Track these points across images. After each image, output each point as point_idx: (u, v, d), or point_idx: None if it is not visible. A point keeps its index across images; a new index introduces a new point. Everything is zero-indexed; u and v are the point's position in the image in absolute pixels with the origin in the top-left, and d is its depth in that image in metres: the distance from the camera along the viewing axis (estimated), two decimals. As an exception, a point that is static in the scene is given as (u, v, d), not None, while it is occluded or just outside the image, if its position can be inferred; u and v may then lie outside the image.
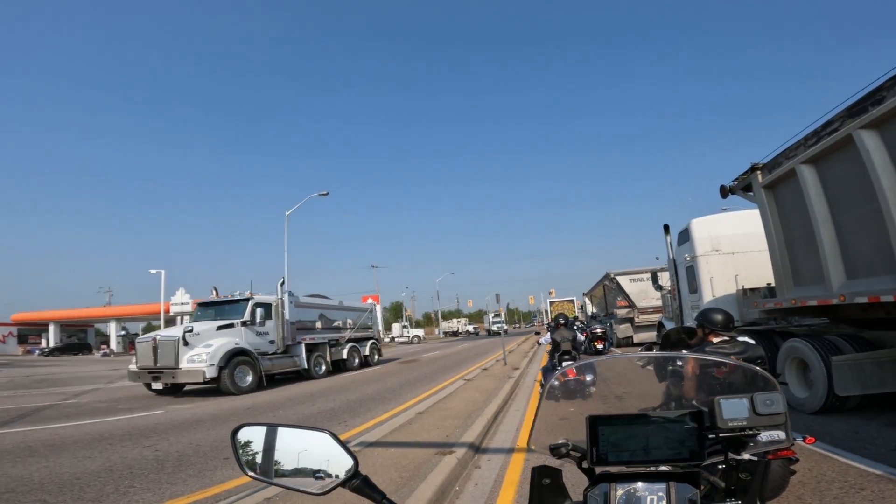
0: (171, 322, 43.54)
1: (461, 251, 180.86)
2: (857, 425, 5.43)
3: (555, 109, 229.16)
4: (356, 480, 0.96)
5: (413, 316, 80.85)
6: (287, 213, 31.18)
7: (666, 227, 11.61)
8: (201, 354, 11.91)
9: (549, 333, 9.83)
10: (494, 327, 56.14)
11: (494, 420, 7.15)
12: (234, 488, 4.47)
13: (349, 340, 18.16)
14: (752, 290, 8.81)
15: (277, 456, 1.02)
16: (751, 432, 0.99)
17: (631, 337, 19.72)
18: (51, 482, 4.79)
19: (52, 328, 49.31)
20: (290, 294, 15.22)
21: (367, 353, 19.22)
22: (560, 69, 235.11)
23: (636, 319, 19.52)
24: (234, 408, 9.82)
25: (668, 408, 1.24)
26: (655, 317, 16.89)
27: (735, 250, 9.61)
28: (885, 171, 5.02)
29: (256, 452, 1.04)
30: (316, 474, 0.98)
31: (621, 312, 20.44)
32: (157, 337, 12.34)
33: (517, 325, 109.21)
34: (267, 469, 1.02)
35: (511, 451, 5.60)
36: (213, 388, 12.20)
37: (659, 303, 16.20)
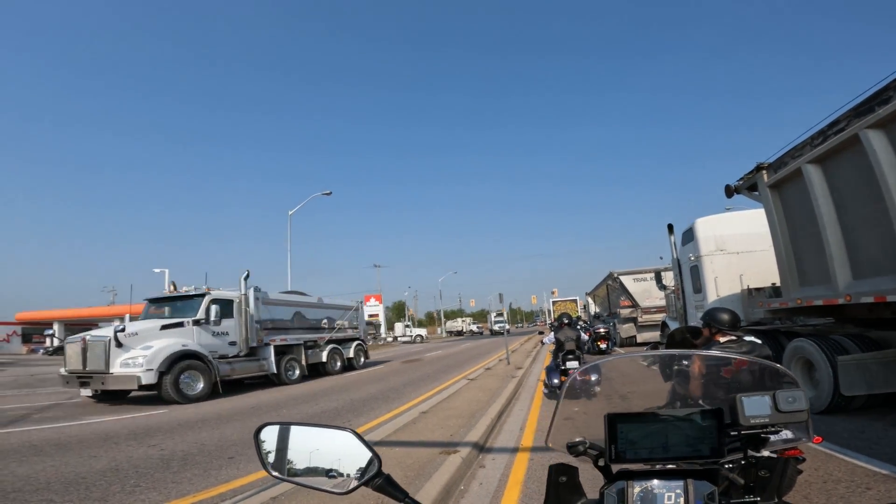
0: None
1: (464, 251, 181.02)
2: (862, 425, 5.41)
3: (559, 112, 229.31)
4: (379, 479, 0.95)
5: (416, 315, 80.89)
6: (290, 213, 31.28)
7: (670, 227, 11.58)
8: (137, 358, 10.40)
9: (552, 333, 9.84)
10: (496, 327, 55.80)
11: (498, 419, 7.15)
12: (240, 487, 4.48)
13: (330, 342, 16.70)
14: (757, 289, 8.77)
15: (300, 455, 1.02)
16: (772, 430, 0.99)
17: (634, 336, 19.68)
18: (57, 481, 4.80)
19: (56, 327, 49.51)
20: (257, 290, 13.63)
21: (350, 355, 17.81)
22: (564, 74, 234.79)
23: (639, 319, 19.48)
24: (238, 407, 9.84)
25: (674, 407, 1.24)
26: (659, 316, 16.84)
27: (740, 250, 9.58)
28: (892, 171, 5.00)
29: (279, 451, 1.04)
30: (339, 473, 0.98)
31: (625, 312, 20.40)
32: (87, 337, 10.77)
33: (520, 325, 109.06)
34: (290, 468, 1.02)
35: (515, 450, 5.60)
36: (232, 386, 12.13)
37: (662, 302, 16.15)
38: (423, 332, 60.37)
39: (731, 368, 1.36)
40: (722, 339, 3.37)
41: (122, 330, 10.81)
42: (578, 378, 1.23)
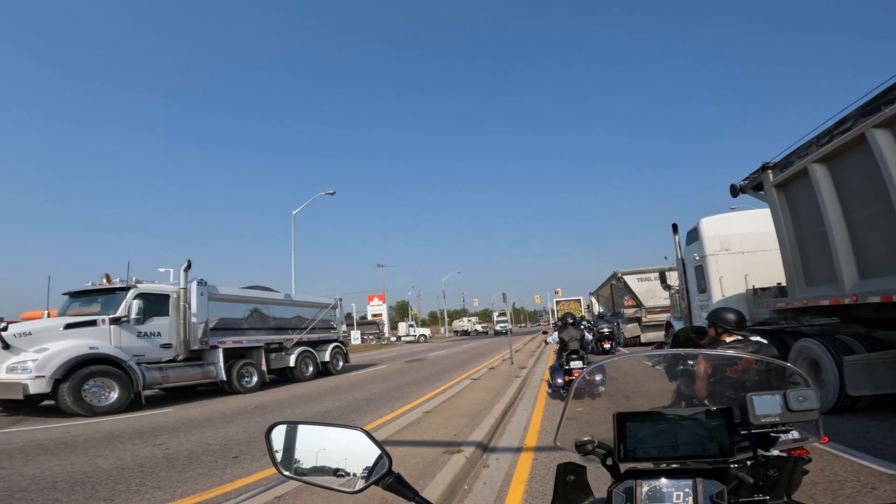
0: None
1: (467, 250, 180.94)
2: (868, 425, 5.39)
3: (563, 114, 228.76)
4: (390, 478, 0.96)
5: (419, 315, 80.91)
6: (294, 213, 31.40)
7: (674, 227, 11.54)
8: (26, 362, 8.83)
9: (556, 332, 9.82)
10: (498, 326, 55.08)
11: (502, 419, 7.15)
12: (244, 486, 4.50)
13: (300, 343, 15.00)
14: (763, 289, 8.74)
15: (310, 454, 1.02)
16: (783, 429, 0.99)
17: (638, 336, 19.63)
18: (63, 480, 4.82)
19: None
20: (202, 283, 11.91)
21: (326, 358, 15.97)
22: (568, 79, 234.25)
23: (644, 319, 19.42)
24: (242, 406, 9.87)
25: (679, 407, 1.24)
26: (663, 316, 16.78)
27: (745, 250, 9.54)
28: (899, 170, 4.97)
29: (290, 450, 1.04)
30: (349, 472, 0.98)
31: (629, 312, 20.34)
32: None
33: (523, 325, 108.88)
34: (300, 467, 1.02)
35: (519, 450, 5.59)
36: (221, 388, 12.13)
37: (667, 302, 16.10)
38: (426, 331, 60.29)
39: (737, 368, 1.37)
40: (728, 339, 3.36)
41: (5, 329, 9.17)
42: (586, 378, 1.23)
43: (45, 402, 9.34)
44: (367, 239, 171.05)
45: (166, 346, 11.08)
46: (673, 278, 13.10)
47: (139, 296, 10.67)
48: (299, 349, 14.83)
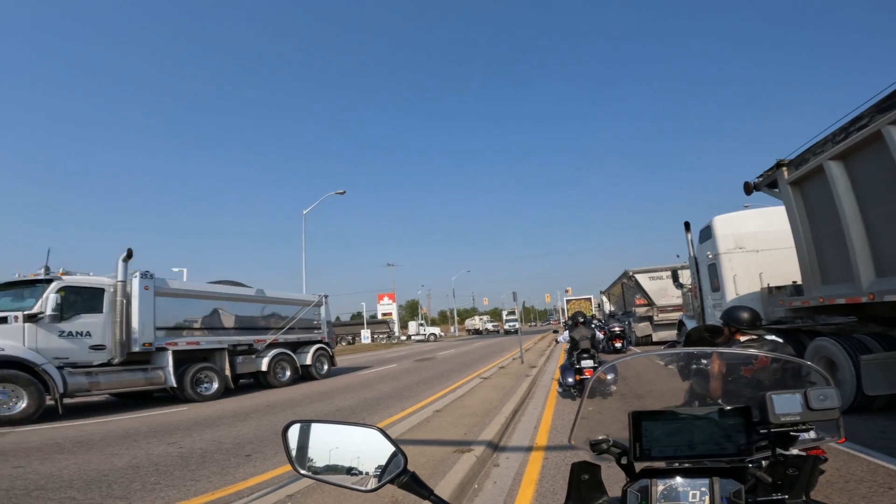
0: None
1: (477, 249, 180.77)
2: (885, 425, 5.31)
3: (571, 107, 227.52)
4: (405, 477, 0.96)
5: (429, 314, 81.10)
6: (304, 212, 31.61)
7: (686, 225, 11.44)
8: None
9: (567, 332, 9.79)
10: (507, 326, 54.65)
11: (512, 418, 7.14)
12: (257, 485, 4.54)
13: (275, 345, 13.59)
14: (778, 288, 8.63)
15: (326, 452, 1.03)
16: (803, 427, 0.98)
17: (650, 335, 19.47)
18: (79, 479, 4.88)
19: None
20: (147, 276, 10.51)
21: (307, 361, 14.51)
22: (573, 80, 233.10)
23: (655, 318, 19.26)
24: (254, 405, 9.97)
25: (692, 406, 1.22)
26: (675, 315, 16.64)
27: (759, 248, 9.44)
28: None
29: (306, 449, 1.05)
30: (365, 470, 0.99)
31: (640, 311, 20.18)
32: None
33: (533, 324, 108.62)
34: (316, 465, 1.03)
35: (530, 449, 5.58)
36: (239, 385, 12.24)
37: (679, 301, 15.96)
38: (436, 330, 60.31)
39: (753, 367, 1.35)
40: (742, 339, 3.32)
41: None
42: (600, 377, 1.23)
43: (66, 401, 9.23)
44: (377, 238, 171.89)
45: (97, 347, 9.68)
46: (685, 277, 12.98)
47: (63, 289, 9.37)
48: (274, 351, 13.33)
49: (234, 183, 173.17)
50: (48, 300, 9.11)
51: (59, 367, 9.02)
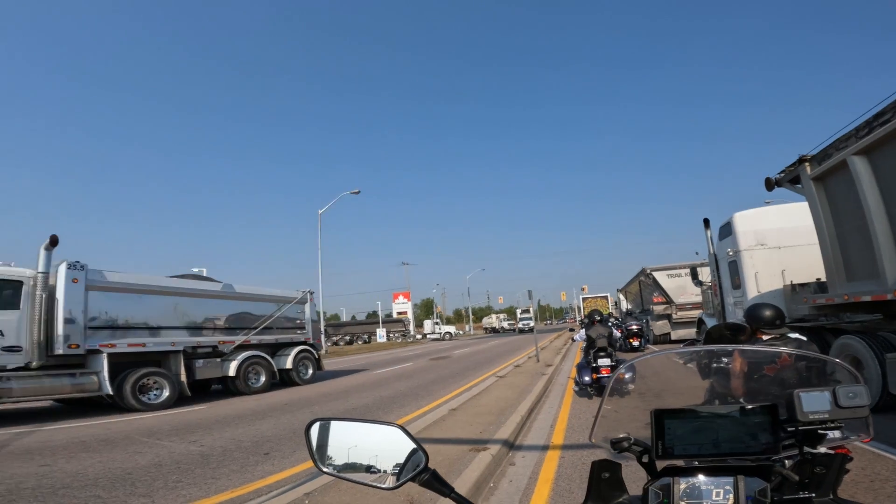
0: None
1: (492, 247, 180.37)
2: (912, 425, 5.16)
3: (586, 103, 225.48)
4: (426, 475, 0.96)
5: (444, 313, 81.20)
6: (320, 212, 31.97)
7: (706, 222, 11.27)
8: None
9: (583, 330, 9.72)
10: (521, 324, 54.18)
11: (528, 417, 7.12)
12: (275, 483, 4.60)
13: (247, 347, 12.20)
14: (801, 285, 8.45)
15: (348, 450, 1.03)
16: (832, 425, 0.97)
17: (668, 334, 19.23)
18: (104, 477, 4.98)
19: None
20: (74, 266, 9.26)
21: (286, 365, 13.11)
22: (586, 79, 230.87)
23: (674, 316, 19.01)
24: (272, 404, 10.10)
25: (712, 405, 1.21)
26: (695, 313, 16.42)
27: (782, 244, 9.27)
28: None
29: (329, 447, 1.05)
30: (386, 468, 0.99)
31: (658, 309, 19.93)
32: None
33: (549, 322, 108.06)
34: (338, 463, 1.04)
35: (546, 448, 5.57)
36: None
37: (698, 299, 15.73)
38: (452, 329, 60.37)
39: (775, 366, 1.33)
40: (765, 337, 3.26)
41: None
42: (622, 375, 1.22)
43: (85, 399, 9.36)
44: (392, 238, 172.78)
45: (12, 349, 8.48)
46: (705, 274, 12.79)
47: None
48: (245, 354, 11.92)
49: (250, 187, 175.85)
50: None
51: None
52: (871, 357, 5.78)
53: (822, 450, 1.02)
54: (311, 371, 14.03)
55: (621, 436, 1.06)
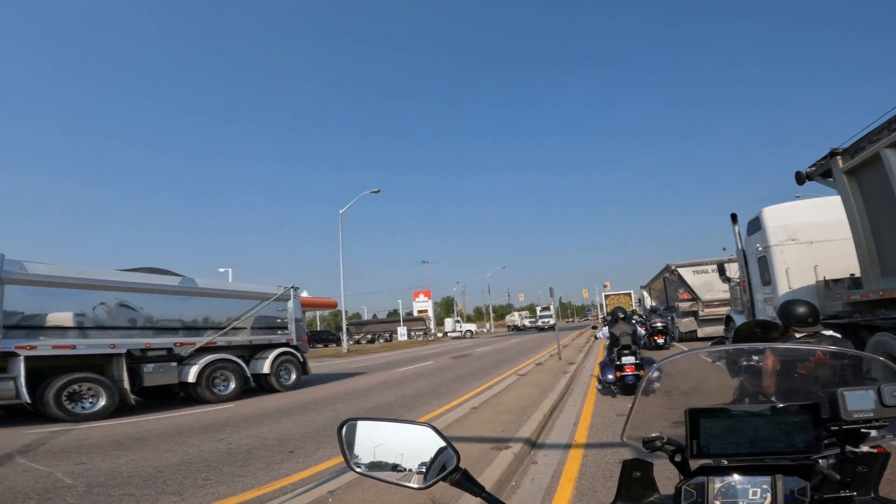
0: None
1: (512, 245, 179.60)
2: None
3: (610, 97, 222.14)
4: (457, 474, 0.96)
5: (464, 311, 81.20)
6: (341, 212, 32.32)
7: (733, 217, 11.02)
8: None
9: (606, 327, 9.60)
10: (540, 322, 53.76)
11: (550, 415, 7.07)
12: (299, 481, 4.67)
13: (211, 349, 10.92)
14: (835, 281, 8.19)
15: (380, 450, 1.04)
16: (877, 424, 0.95)
17: (695, 331, 18.87)
18: (136, 475, 5.07)
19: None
20: None
21: (264, 370, 11.79)
22: (599, 77, 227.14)
23: (700, 313, 18.63)
24: (295, 402, 10.25)
25: (742, 404, 1.20)
26: (722, 310, 16.05)
27: (813, 239, 9.00)
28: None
29: (360, 446, 1.07)
30: (417, 468, 1.00)
31: (684, 306, 19.55)
32: None
33: (570, 320, 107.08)
34: (369, 463, 1.05)
35: (568, 446, 5.53)
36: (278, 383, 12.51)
37: (725, 295, 15.38)
38: (473, 327, 60.30)
39: (809, 364, 1.30)
40: (798, 335, 3.15)
41: None
42: (653, 374, 1.21)
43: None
44: (412, 237, 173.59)
45: None
46: (732, 270, 12.51)
47: None
48: (208, 357, 10.62)
49: (273, 190, 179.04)
50: None
51: None
52: None
53: (865, 449, 1.01)
54: (293, 376, 12.71)
55: (654, 435, 1.05)
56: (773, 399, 1.21)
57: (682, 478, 1.00)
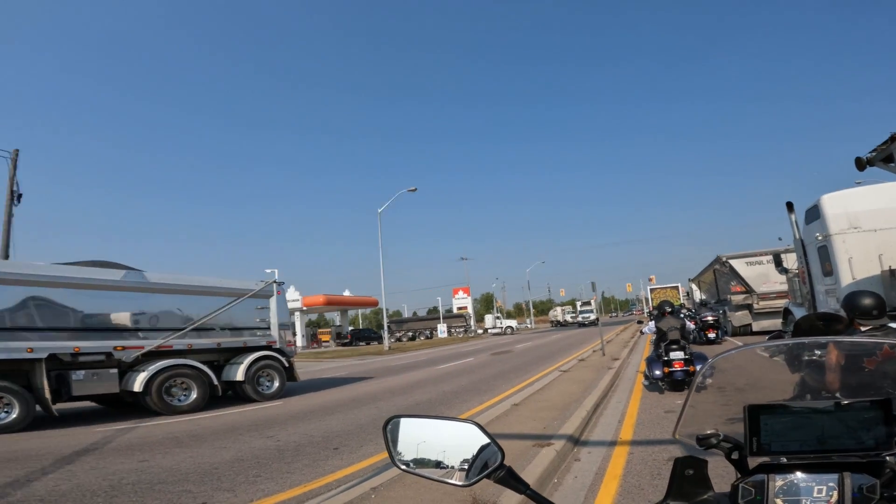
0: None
1: (551, 239, 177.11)
2: None
3: (657, 87, 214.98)
4: (501, 471, 0.96)
5: (504, 307, 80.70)
6: (379, 211, 32.83)
7: (789, 205, 10.45)
8: None
9: (652, 322, 9.32)
10: (580, 317, 52.84)
11: (594, 412, 6.93)
12: (344, 477, 4.78)
13: (165, 354, 9.65)
14: None
15: (422, 447, 1.05)
16: None
17: (749, 325, 17.98)
18: (194, 472, 5.23)
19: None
20: None
21: (237, 377, 10.39)
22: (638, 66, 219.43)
23: (755, 306, 17.72)
24: (340, 400, 10.49)
25: (803, 400, 1.15)
26: (779, 303, 15.27)
27: (878, 227, 8.45)
28: None
29: (405, 444, 1.08)
30: (462, 465, 1.00)
31: (737, 299, 18.65)
32: None
33: (614, 314, 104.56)
34: (414, 460, 1.06)
35: (613, 443, 5.42)
36: (322, 381, 12.91)
37: (782, 287, 14.61)
38: (513, 323, 59.94)
39: (876, 358, 1.22)
40: (863, 328, 2.94)
41: None
42: (707, 369, 1.18)
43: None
44: (449, 233, 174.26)
45: None
46: (790, 261, 11.87)
47: None
48: (160, 364, 9.33)
49: (314, 194, 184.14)
50: None
51: None
52: None
53: None
54: (276, 384, 11.17)
55: (709, 432, 1.02)
56: (837, 394, 1.15)
57: (738, 476, 0.96)
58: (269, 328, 11.55)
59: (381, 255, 32.97)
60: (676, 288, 46.08)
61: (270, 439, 6.80)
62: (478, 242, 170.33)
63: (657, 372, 8.13)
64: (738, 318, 18.34)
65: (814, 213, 9.62)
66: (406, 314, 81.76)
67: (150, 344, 9.54)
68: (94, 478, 5.12)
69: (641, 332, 11.03)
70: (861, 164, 7.38)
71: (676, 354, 8.11)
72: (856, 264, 8.48)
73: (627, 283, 66.80)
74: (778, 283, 15.61)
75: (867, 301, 2.97)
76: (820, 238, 9.32)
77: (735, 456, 1.00)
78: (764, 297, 17.43)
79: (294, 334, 14.07)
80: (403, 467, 1.06)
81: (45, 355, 8.36)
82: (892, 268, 7.84)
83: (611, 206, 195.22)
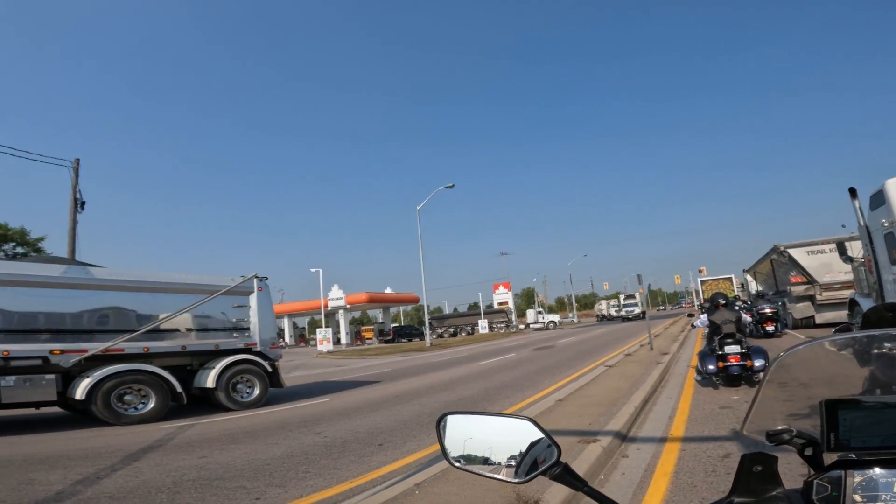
0: (330, 315, 48.62)
1: (593, 232, 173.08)
2: None
3: (697, 80, 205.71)
4: (557, 468, 0.95)
5: (545, 301, 79.58)
6: (418, 208, 33.10)
7: (852, 191, 9.79)
8: None
9: (704, 315, 8.97)
10: (624, 311, 51.08)
11: (643, 408, 6.74)
12: (388, 473, 4.84)
13: (118, 358, 8.73)
14: None
15: (478, 444, 1.05)
16: None
17: (812, 317, 16.95)
18: (248, 468, 5.37)
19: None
20: None
21: (207, 384, 9.49)
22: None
23: (818, 297, 16.63)
24: (385, 396, 10.66)
25: (874, 395, 1.11)
26: (844, 293, 14.29)
27: None
28: None
29: (458, 440, 1.08)
30: (516, 461, 0.99)
31: (797, 290, 17.57)
32: None
33: (661, 308, 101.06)
34: (467, 456, 1.05)
35: (664, 440, 5.25)
36: (366, 378, 13.14)
37: (847, 277, 13.69)
38: (556, 317, 58.97)
39: None
40: None
41: None
42: (775, 365, 1.13)
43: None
44: (489, 228, 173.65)
45: None
46: (855, 249, 11.10)
47: None
48: (109, 369, 8.45)
49: (354, 192, 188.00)
50: None
51: None
52: None
53: None
54: (256, 391, 10.17)
55: (780, 427, 0.99)
56: None
57: (811, 472, 0.93)
58: (248, 329, 10.58)
59: (420, 251, 33.29)
60: (730, 279, 43.89)
61: (318, 435, 6.99)
62: (517, 238, 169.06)
63: (710, 367, 7.79)
64: (800, 309, 17.32)
65: (879, 199, 9.08)
66: (447, 310, 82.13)
67: (95, 347, 8.56)
68: (158, 474, 5.37)
69: (692, 326, 10.58)
70: None
71: (732, 348, 7.74)
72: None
73: (676, 275, 64.09)
74: (842, 272, 14.71)
75: None
76: (886, 225, 8.76)
77: (808, 452, 0.96)
78: (827, 287, 16.37)
79: (280, 335, 12.63)
80: (457, 465, 1.06)
81: None
82: None
83: (655, 198, 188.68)
